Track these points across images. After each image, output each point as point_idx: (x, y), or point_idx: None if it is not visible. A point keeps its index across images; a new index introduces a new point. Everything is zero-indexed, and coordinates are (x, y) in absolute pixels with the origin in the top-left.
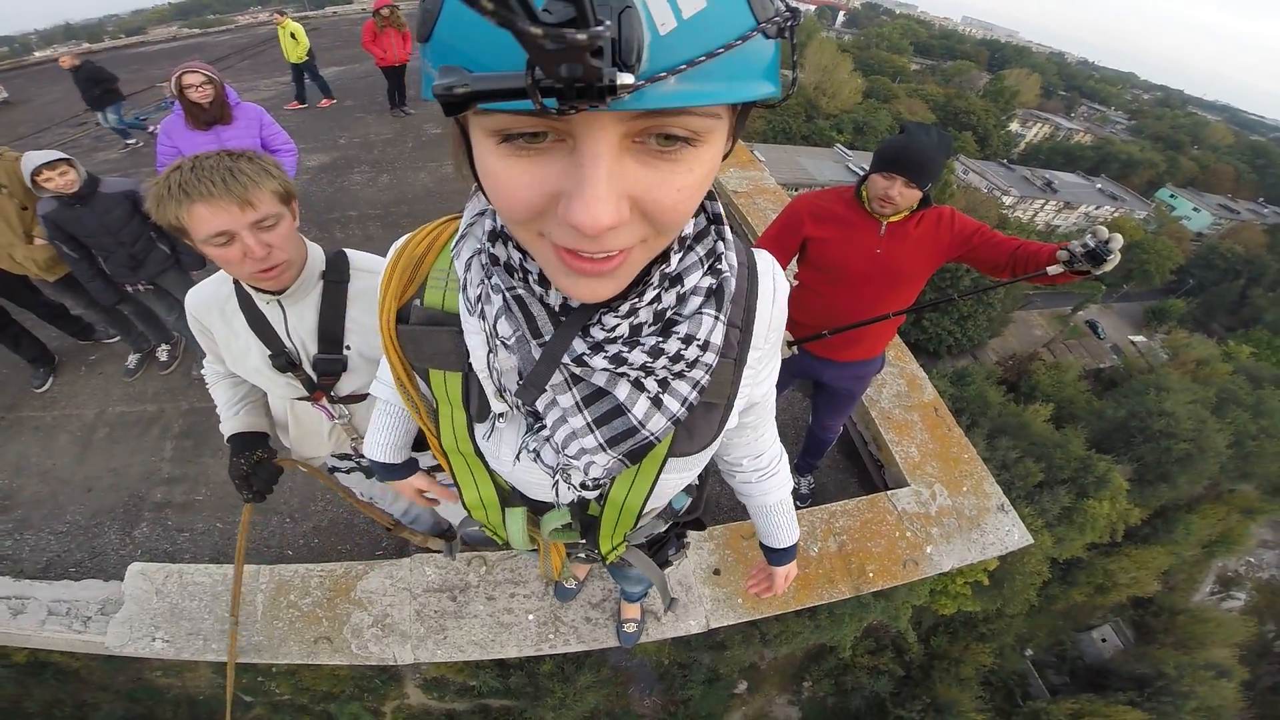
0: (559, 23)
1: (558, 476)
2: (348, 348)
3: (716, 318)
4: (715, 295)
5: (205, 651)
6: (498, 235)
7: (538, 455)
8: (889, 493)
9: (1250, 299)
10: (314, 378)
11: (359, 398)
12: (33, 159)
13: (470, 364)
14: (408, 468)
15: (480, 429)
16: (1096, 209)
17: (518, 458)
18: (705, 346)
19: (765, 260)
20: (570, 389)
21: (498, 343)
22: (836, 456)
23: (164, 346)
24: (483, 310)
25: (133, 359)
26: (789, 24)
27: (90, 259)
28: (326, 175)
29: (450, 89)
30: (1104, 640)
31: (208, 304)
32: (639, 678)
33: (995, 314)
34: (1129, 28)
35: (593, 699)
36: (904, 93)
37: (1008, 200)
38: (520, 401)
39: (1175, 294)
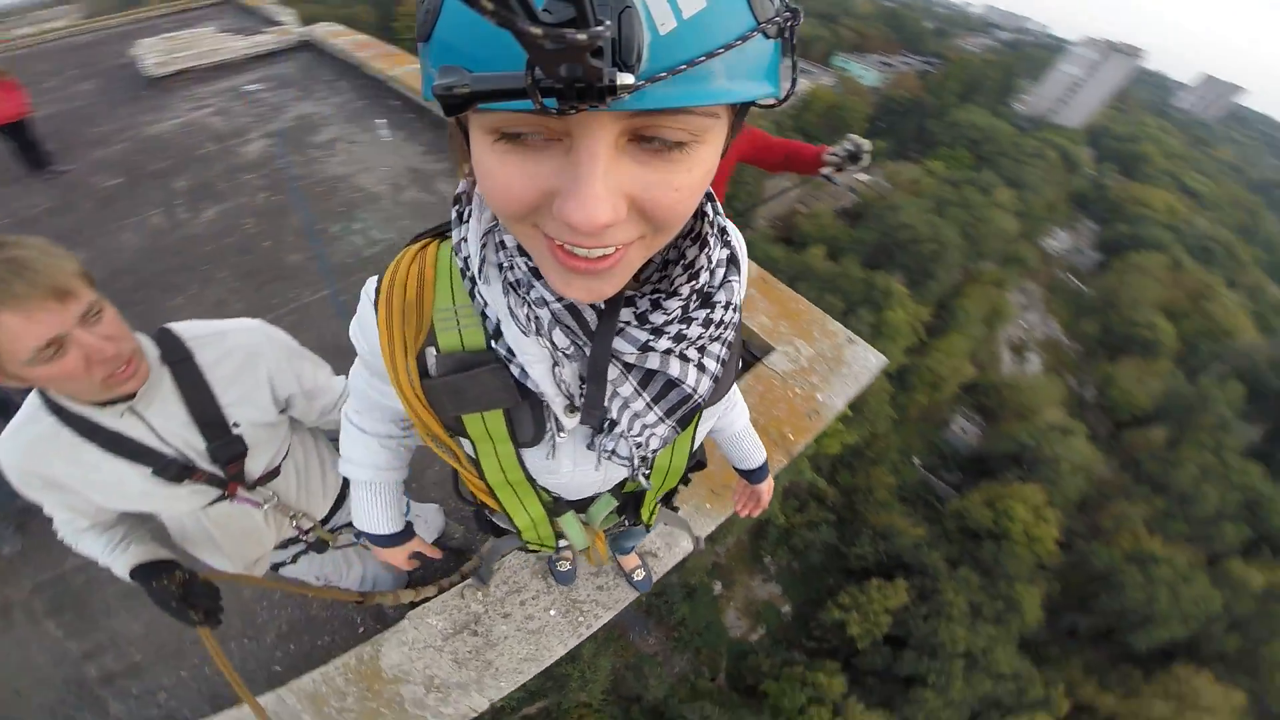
0: (559, 23)
1: (625, 464)
2: (236, 425)
3: (737, 281)
4: (732, 263)
5: None
6: (519, 250)
7: (614, 453)
8: (764, 360)
9: (926, 128)
10: (219, 473)
11: (274, 473)
12: None
13: (520, 394)
14: (407, 533)
15: (534, 453)
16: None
17: (598, 465)
18: (737, 309)
19: (726, 222)
20: (628, 378)
21: (560, 355)
22: None
23: None
24: (539, 329)
25: None
26: (789, 24)
27: None
28: None
29: (450, 89)
30: (963, 431)
31: (34, 450)
32: (631, 624)
33: (751, 188)
34: None
35: (606, 663)
36: None
37: None
38: (592, 422)
39: (874, 138)
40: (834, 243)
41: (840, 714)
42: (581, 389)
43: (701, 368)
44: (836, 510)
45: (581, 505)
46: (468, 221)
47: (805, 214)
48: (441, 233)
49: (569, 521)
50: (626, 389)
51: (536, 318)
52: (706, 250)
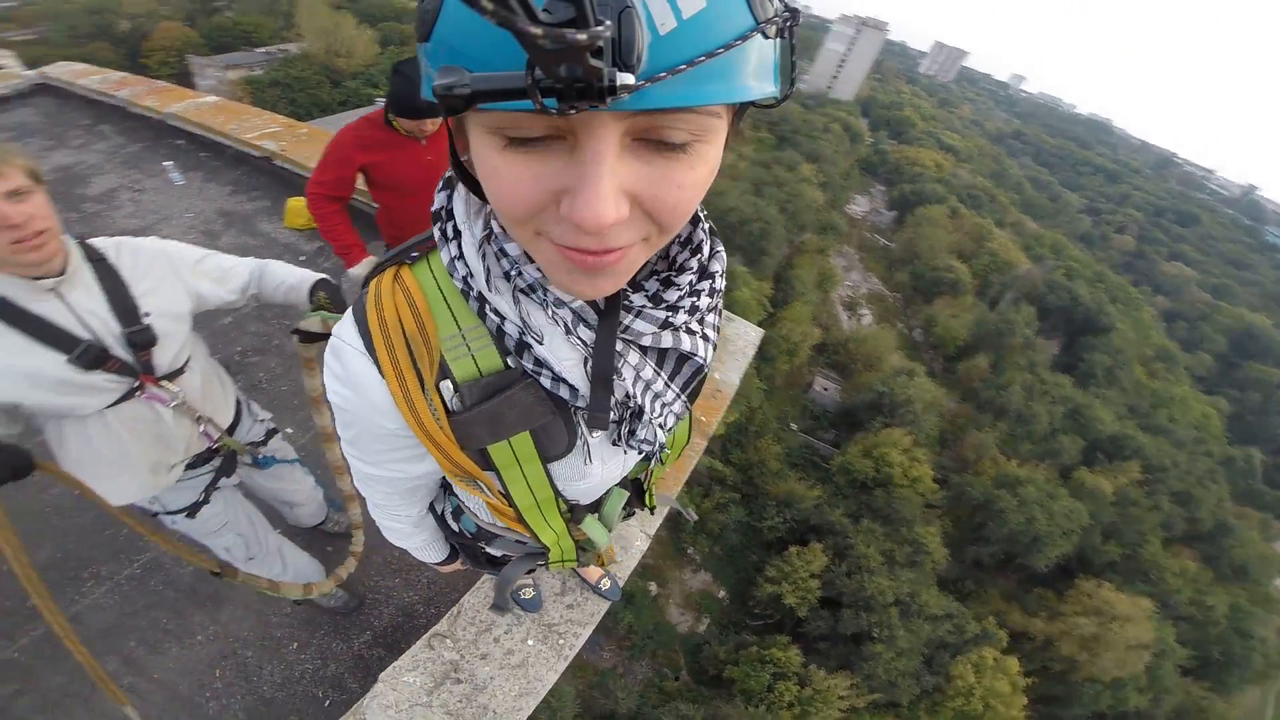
0: (559, 23)
1: (657, 450)
2: (147, 315)
3: (720, 250)
4: (713, 234)
5: None
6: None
7: (644, 441)
8: None
9: None
10: (131, 360)
11: (180, 371)
12: None
13: (553, 406)
14: (453, 556)
15: (564, 464)
16: None
17: (626, 453)
18: (723, 275)
19: None
20: (647, 360)
21: (589, 352)
22: None
23: None
24: (565, 330)
25: None
26: (789, 24)
27: None
28: None
29: (450, 89)
30: (825, 389)
31: None
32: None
33: None
34: None
35: (569, 689)
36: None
37: None
38: (600, 426)
39: None
40: None
41: (806, 684)
42: (591, 398)
43: (705, 338)
44: (739, 489)
45: (594, 507)
46: (454, 239)
47: None
48: (400, 259)
49: (591, 525)
50: (648, 371)
51: (562, 320)
52: (700, 224)
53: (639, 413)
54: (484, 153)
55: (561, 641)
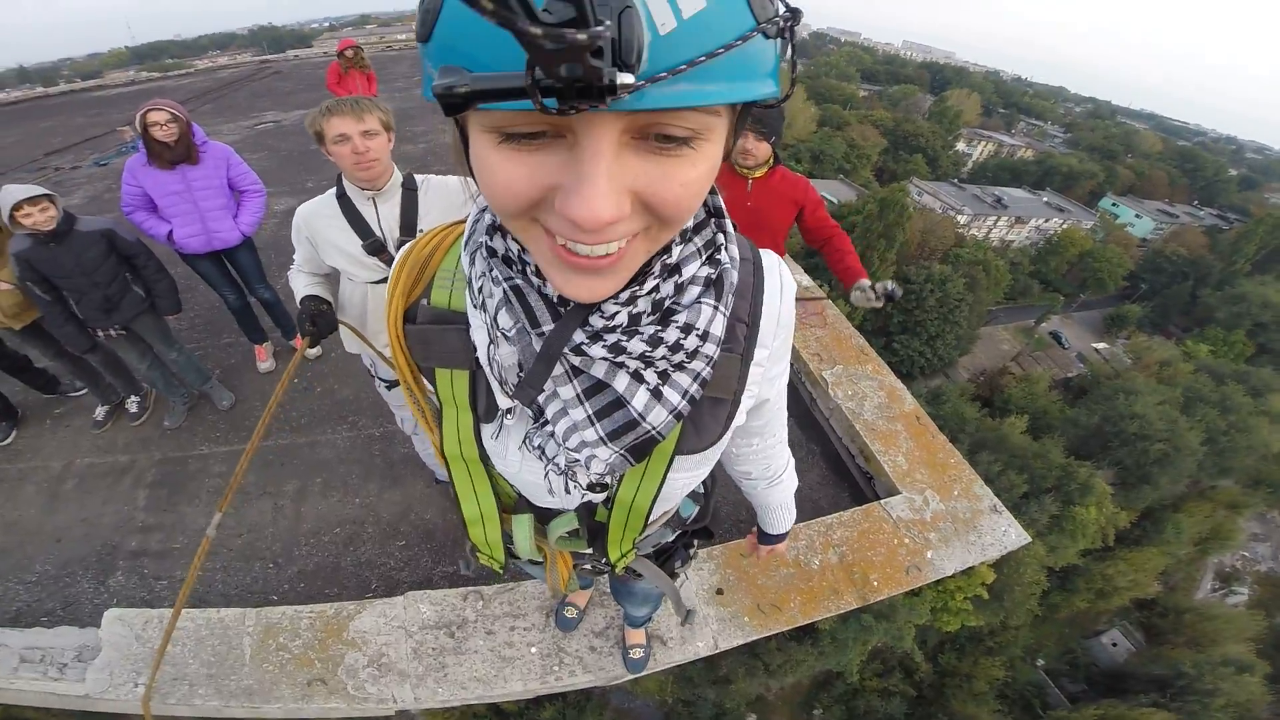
0: (559, 23)
1: (559, 474)
2: (421, 230)
3: (716, 307)
4: (715, 285)
5: (192, 696)
6: (495, 228)
7: (541, 451)
8: (882, 501)
9: (1200, 299)
10: (395, 256)
11: None
12: (13, 193)
13: (476, 361)
14: None
15: (488, 429)
16: (1046, 222)
17: (520, 447)
18: (705, 336)
19: (771, 258)
20: (571, 380)
21: (498, 334)
22: (825, 471)
23: (134, 398)
24: (484, 303)
25: (101, 411)
26: (789, 24)
27: (63, 302)
28: None
29: (450, 89)
30: (1114, 645)
31: (315, 212)
32: (643, 719)
33: (962, 332)
34: (1056, 43)
35: None
36: (855, 119)
37: (961, 219)
38: (521, 399)
39: (1130, 299)
40: (1041, 417)
41: None
42: (519, 375)
43: (657, 394)
44: (920, 688)
45: (546, 518)
46: None
47: (1017, 376)
48: None
49: (520, 523)
50: (567, 392)
51: (489, 292)
52: (665, 258)
53: (546, 421)
54: (481, 149)
55: (556, 669)
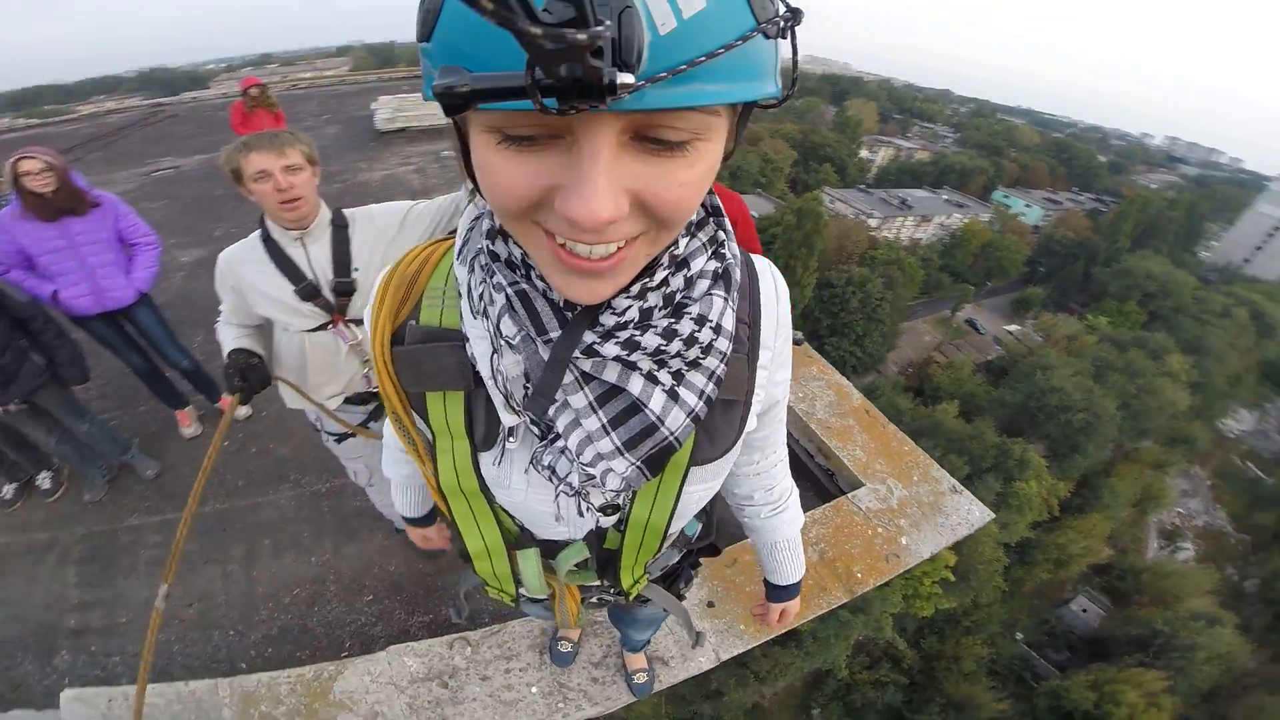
0: (559, 23)
1: (571, 494)
2: (356, 269)
3: (726, 299)
4: (722, 279)
5: None
6: (497, 232)
7: (552, 471)
8: (849, 495)
9: (1093, 276)
10: (332, 300)
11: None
12: None
13: (474, 379)
14: (430, 517)
15: (488, 456)
16: (948, 218)
17: (526, 471)
18: (718, 330)
19: (763, 263)
20: (582, 388)
21: (502, 343)
22: None
23: (45, 474)
24: (485, 310)
25: (8, 489)
26: (789, 24)
27: None
28: (206, 271)
29: (450, 89)
30: (1085, 611)
31: (239, 258)
32: None
33: (887, 328)
34: (938, 47)
35: None
36: (766, 134)
37: (873, 223)
38: (535, 411)
39: (1031, 283)
40: (970, 400)
41: None
42: (525, 387)
43: (674, 396)
44: (911, 674)
45: (553, 551)
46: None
47: (942, 364)
48: None
49: (527, 559)
50: (579, 400)
51: (490, 299)
52: (672, 250)
53: (556, 437)
54: (481, 149)
55: (561, 705)
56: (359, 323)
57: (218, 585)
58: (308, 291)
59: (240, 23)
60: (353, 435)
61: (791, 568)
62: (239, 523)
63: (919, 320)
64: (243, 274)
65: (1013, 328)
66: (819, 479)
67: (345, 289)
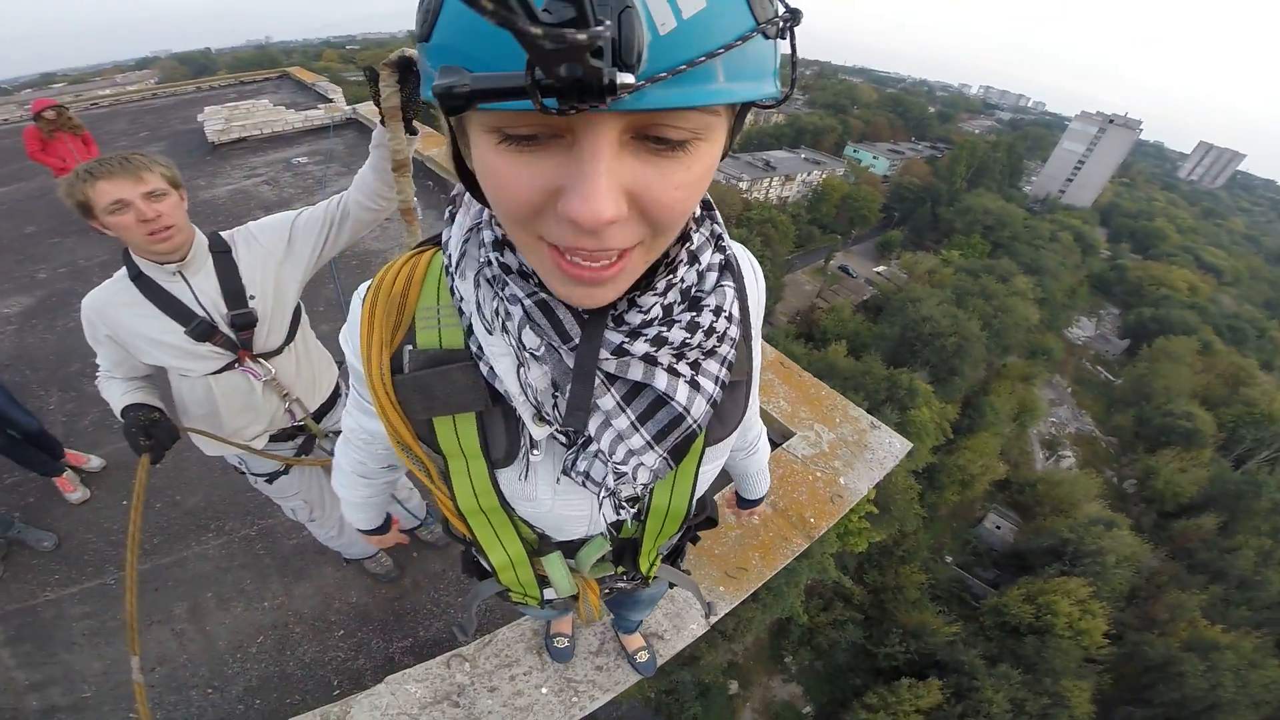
0: (559, 23)
1: (606, 495)
2: (252, 297)
3: (735, 288)
4: (727, 269)
5: None
6: (503, 244)
7: (586, 476)
8: (784, 445)
9: (940, 216)
10: (233, 336)
11: (275, 352)
12: None
13: (491, 398)
14: (385, 526)
15: (508, 473)
16: (809, 175)
17: (558, 481)
18: (730, 318)
19: (739, 247)
20: (609, 389)
21: (527, 355)
22: None
23: None
24: (504, 325)
25: None
26: (789, 25)
27: None
28: (40, 320)
29: (450, 89)
30: (998, 528)
31: (108, 302)
32: None
33: (771, 283)
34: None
35: None
36: None
37: (743, 186)
38: (576, 425)
39: (889, 227)
40: (855, 339)
41: None
42: (554, 397)
43: (695, 385)
44: (864, 610)
45: (571, 549)
46: (450, 223)
47: (825, 309)
48: (437, 241)
49: (553, 563)
50: (608, 402)
51: (507, 313)
52: (688, 245)
53: (588, 442)
54: (482, 151)
55: (575, 699)
56: (269, 356)
57: (174, 646)
58: (202, 331)
59: (11, 42)
60: (285, 473)
61: (761, 486)
62: (169, 580)
63: (798, 272)
64: (118, 320)
65: (880, 269)
66: None
67: (245, 321)
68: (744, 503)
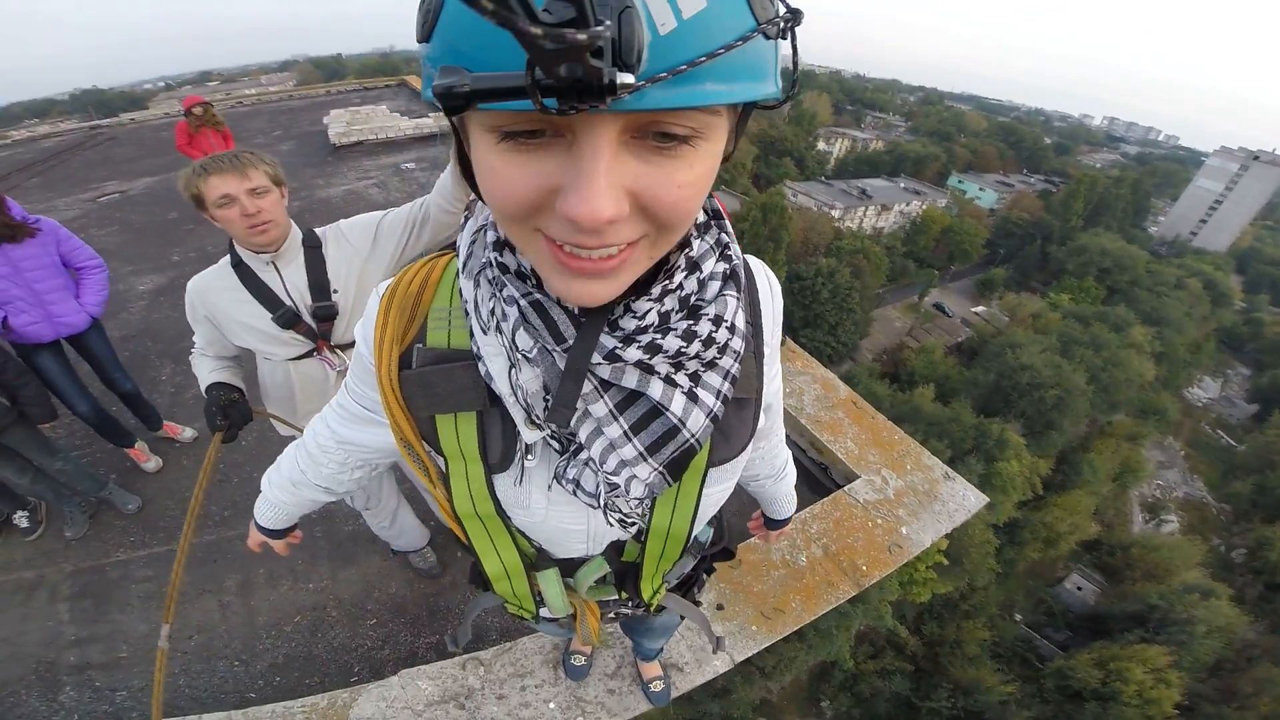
0: (559, 23)
1: (596, 507)
2: (335, 291)
3: (738, 299)
4: (731, 279)
5: None
6: (504, 244)
7: (577, 485)
8: (846, 488)
9: (1050, 255)
10: (314, 326)
11: (351, 345)
12: None
13: (488, 399)
14: (285, 531)
15: (504, 478)
16: (907, 205)
17: (550, 488)
18: (733, 329)
19: (756, 261)
20: (602, 396)
21: (519, 357)
22: None
23: (21, 513)
24: (499, 326)
25: None
26: (789, 25)
27: None
28: (168, 299)
29: (451, 89)
30: (1079, 589)
31: (210, 286)
32: None
33: (858, 317)
34: (883, 38)
35: None
36: None
37: (835, 214)
38: (554, 425)
39: (992, 265)
40: (945, 383)
41: None
42: (545, 400)
43: (693, 397)
44: (916, 661)
45: (571, 568)
46: (463, 225)
47: (915, 349)
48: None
49: (548, 579)
50: (600, 409)
51: (503, 313)
52: (687, 251)
53: (579, 449)
54: (481, 150)
55: (580, 719)
56: (345, 348)
57: (216, 616)
58: (287, 319)
59: (177, 41)
60: None
61: (787, 508)
62: (229, 553)
63: (889, 307)
64: (216, 303)
65: (979, 309)
66: (813, 474)
67: (326, 313)
68: (771, 524)
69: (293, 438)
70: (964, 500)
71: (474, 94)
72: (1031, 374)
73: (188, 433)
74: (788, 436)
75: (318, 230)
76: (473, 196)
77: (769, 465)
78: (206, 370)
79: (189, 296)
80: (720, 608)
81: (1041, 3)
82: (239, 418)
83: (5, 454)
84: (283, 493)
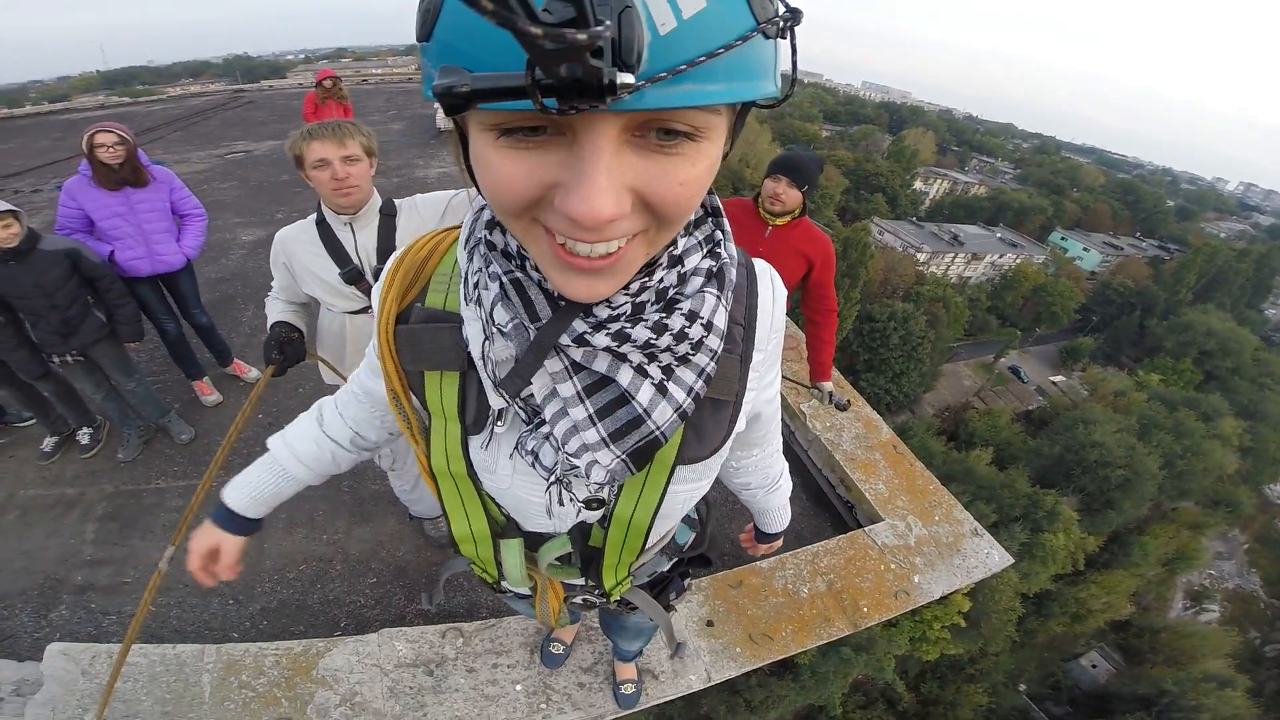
0: (559, 23)
1: (556, 482)
2: None
3: (719, 297)
4: (716, 278)
5: None
6: (495, 223)
7: (535, 457)
8: (867, 529)
9: (1148, 329)
10: (374, 285)
11: None
12: None
13: (468, 362)
14: (253, 526)
15: (476, 440)
16: (1000, 257)
17: (511, 456)
18: (709, 327)
19: (763, 265)
20: (571, 377)
21: (494, 330)
22: (806, 502)
23: (86, 430)
24: (479, 297)
25: (49, 442)
26: (789, 25)
27: (17, 324)
28: (264, 250)
29: (451, 89)
30: (1094, 666)
31: (294, 238)
32: None
33: (926, 369)
34: (1002, 80)
35: None
36: None
37: (921, 257)
38: (509, 391)
39: (1082, 332)
40: (1005, 449)
41: None
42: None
43: (662, 390)
44: (905, 717)
45: (537, 542)
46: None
47: (980, 411)
48: None
49: (509, 548)
50: (568, 389)
51: (486, 286)
52: (670, 249)
53: (541, 423)
54: (480, 147)
55: (543, 706)
56: None
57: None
58: (352, 275)
59: (321, 17)
60: None
61: (779, 522)
62: None
63: (960, 363)
64: (295, 253)
65: (1058, 378)
66: (837, 510)
67: None
68: (762, 536)
69: (335, 386)
70: (986, 558)
71: (474, 94)
72: (1101, 452)
73: (253, 373)
74: (819, 470)
75: (397, 200)
76: None
77: (763, 475)
78: (276, 311)
79: (275, 244)
80: (710, 624)
81: (1186, 57)
82: (293, 354)
83: (89, 366)
84: (301, 441)
